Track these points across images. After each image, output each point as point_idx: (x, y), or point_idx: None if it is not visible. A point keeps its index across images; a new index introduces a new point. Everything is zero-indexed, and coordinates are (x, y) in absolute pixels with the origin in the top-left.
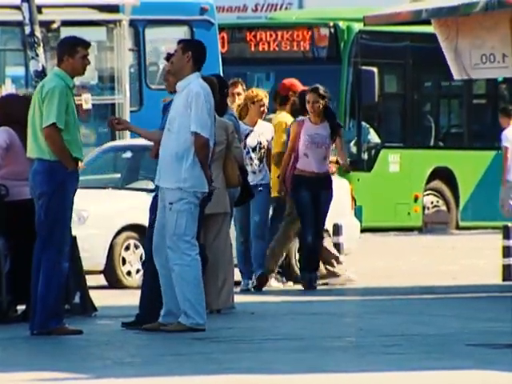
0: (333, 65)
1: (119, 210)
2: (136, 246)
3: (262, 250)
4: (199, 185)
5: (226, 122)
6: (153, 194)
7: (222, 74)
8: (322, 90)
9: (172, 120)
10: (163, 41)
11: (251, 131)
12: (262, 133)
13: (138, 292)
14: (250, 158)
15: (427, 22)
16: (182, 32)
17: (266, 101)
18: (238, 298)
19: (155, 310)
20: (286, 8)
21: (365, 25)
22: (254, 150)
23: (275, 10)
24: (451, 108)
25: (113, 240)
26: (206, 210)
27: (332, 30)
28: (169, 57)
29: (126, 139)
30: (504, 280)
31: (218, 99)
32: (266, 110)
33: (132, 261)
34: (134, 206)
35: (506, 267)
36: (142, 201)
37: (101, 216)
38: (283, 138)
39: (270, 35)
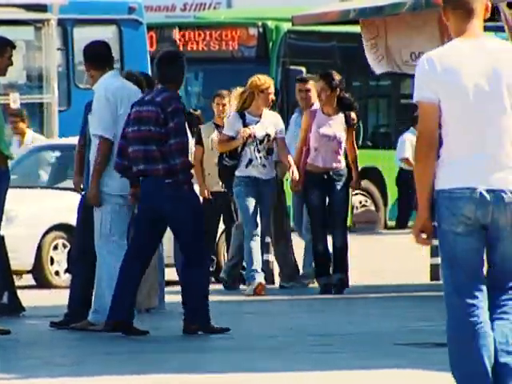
0: (261, 64)
1: (47, 209)
2: (64, 246)
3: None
4: (124, 187)
5: None
6: (83, 193)
7: (150, 73)
8: (331, 77)
9: (91, 124)
10: (91, 40)
11: (258, 122)
12: (270, 123)
13: (67, 291)
14: (258, 151)
15: (355, 22)
16: (111, 31)
17: (273, 88)
18: (168, 298)
19: (83, 309)
20: (215, 7)
21: (293, 24)
22: (261, 142)
23: (204, 9)
24: (379, 108)
25: (41, 240)
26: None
27: (260, 30)
28: None
29: (55, 139)
30: (432, 279)
31: None
32: (273, 98)
33: (60, 260)
34: (62, 205)
35: (433, 266)
36: (70, 200)
37: (29, 216)
38: None
39: (199, 35)
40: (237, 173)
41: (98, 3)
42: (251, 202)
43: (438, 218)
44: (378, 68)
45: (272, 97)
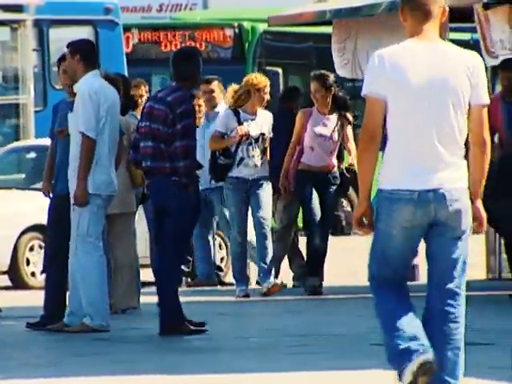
0: (237, 65)
1: (23, 210)
2: (40, 247)
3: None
4: (102, 187)
5: (127, 122)
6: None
7: (126, 75)
8: (325, 77)
9: (71, 123)
10: (67, 41)
11: (253, 120)
12: (264, 122)
13: (43, 292)
14: (252, 150)
15: (331, 23)
16: (87, 32)
17: (268, 88)
18: (143, 299)
19: (59, 311)
20: (191, 8)
21: (269, 25)
22: (256, 141)
23: (180, 10)
24: (356, 109)
25: (17, 241)
26: (111, 209)
27: (236, 31)
28: (63, 57)
29: (31, 139)
30: (409, 280)
31: (123, 98)
32: (268, 98)
33: (36, 261)
34: (38, 206)
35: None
36: (46, 201)
37: (5, 216)
38: None
39: (175, 36)
40: (228, 173)
41: (74, 4)
42: (240, 204)
43: (376, 215)
44: (341, 71)
45: (267, 97)
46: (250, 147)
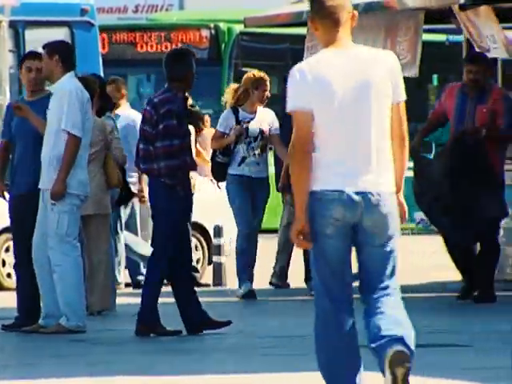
0: (214, 66)
1: None
2: None
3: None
4: (81, 187)
5: (103, 123)
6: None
7: (102, 76)
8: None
9: (50, 123)
10: (43, 42)
11: (252, 119)
12: (264, 120)
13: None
14: (252, 149)
15: (307, 24)
16: (63, 33)
17: (268, 85)
18: (119, 300)
19: (34, 312)
20: (167, 9)
21: (245, 26)
22: (255, 139)
23: (156, 11)
24: None
25: None
26: (85, 210)
27: (213, 32)
28: (28, 56)
29: None
30: None
31: (97, 99)
32: (268, 95)
33: (12, 263)
34: None
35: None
36: None
37: None
38: None
39: (151, 36)
40: (230, 171)
41: (50, 5)
42: (243, 201)
43: (310, 218)
44: None
45: (267, 94)
46: (250, 146)
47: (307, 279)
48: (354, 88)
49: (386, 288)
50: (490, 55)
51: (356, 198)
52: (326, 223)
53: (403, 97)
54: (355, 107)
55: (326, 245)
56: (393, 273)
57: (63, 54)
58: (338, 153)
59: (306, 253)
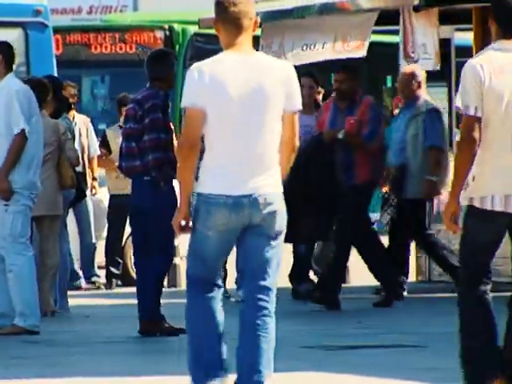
0: None
1: None
2: None
3: None
4: (32, 186)
5: (56, 123)
6: None
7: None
8: (315, 76)
9: None
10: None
11: None
12: None
13: None
14: None
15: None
16: (16, 34)
17: None
18: (73, 301)
19: None
20: (121, 10)
21: (200, 27)
22: None
23: (110, 12)
24: None
25: None
26: (38, 211)
27: (167, 33)
28: None
29: None
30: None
31: (50, 100)
32: None
33: None
34: None
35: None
36: None
37: None
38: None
39: (105, 38)
40: None
41: (2, 5)
42: None
43: (194, 217)
44: None
45: None
46: None
47: (292, 279)
48: (246, 94)
49: (266, 293)
50: (418, 66)
51: (243, 200)
52: (210, 225)
53: (298, 107)
54: (246, 113)
55: (206, 246)
56: (276, 269)
57: (6, 55)
58: (226, 156)
59: (295, 252)
